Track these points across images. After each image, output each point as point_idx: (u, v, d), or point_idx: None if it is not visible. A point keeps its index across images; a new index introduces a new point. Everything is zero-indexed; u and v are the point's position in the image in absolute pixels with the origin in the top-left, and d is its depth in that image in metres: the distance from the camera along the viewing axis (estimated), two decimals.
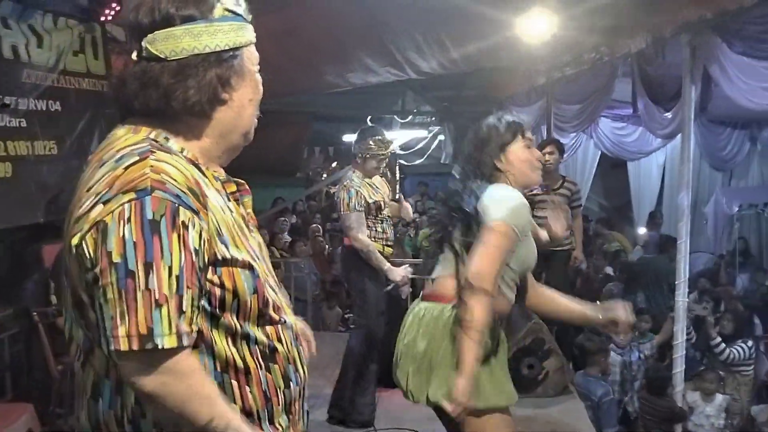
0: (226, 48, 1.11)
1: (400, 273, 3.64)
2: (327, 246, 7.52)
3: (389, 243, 3.74)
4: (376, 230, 3.66)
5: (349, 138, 7.91)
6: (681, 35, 3.89)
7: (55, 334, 3.43)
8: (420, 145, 10.00)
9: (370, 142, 3.65)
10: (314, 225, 8.07)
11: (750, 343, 5.10)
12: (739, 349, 5.01)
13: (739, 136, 8.23)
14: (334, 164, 10.57)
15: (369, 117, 8.70)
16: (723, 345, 4.97)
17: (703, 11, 3.68)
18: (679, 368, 4.22)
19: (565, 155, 7.39)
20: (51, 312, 3.57)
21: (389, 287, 3.69)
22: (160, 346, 0.98)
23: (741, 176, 8.89)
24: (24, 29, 3.75)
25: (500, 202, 1.97)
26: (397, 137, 9.76)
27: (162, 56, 1.08)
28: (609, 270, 7.12)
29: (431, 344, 2.01)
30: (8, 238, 4.02)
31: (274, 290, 1.21)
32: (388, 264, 3.63)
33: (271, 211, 8.68)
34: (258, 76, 1.20)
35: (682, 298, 4.28)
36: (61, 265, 1.14)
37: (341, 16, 5.34)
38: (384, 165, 3.74)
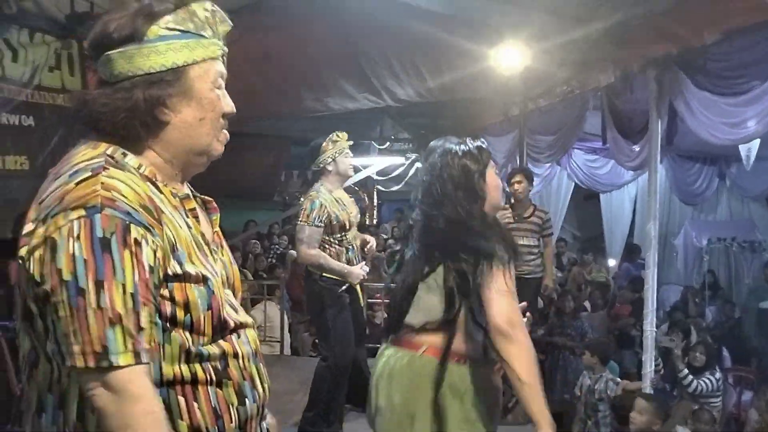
0: (162, 69, 1.09)
1: (359, 273, 3.56)
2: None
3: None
4: (339, 260, 3.56)
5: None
6: (648, 70, 4.01)
7: (18, 351, 3.35)
8: (397, 172, 10.07)
9: (328, 145, 3.57)
10: (292, 251, 8.04)
11: (718, 375, 5.13)
12: (706, 381, 5.03)
13: (708, 171, 8.45)
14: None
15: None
16: (690, 377, 5.01)
17: (669, 47, 3.82)
18: None
19: (536, 185, 7.55)
20: (13, 327, 3.50)
21: (343, 288, 3.59)
22: (114, 364, 0.97)
23: (710, 211, 9.09)
24: None
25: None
26: (375, 163, 9.85)
27: (105, 78, 1.10)
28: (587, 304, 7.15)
29: (407, 396, 1.91)
30: None
31: (233, 307, 1.19)
32: (346, 266, 3.54)
33: (243, 234, 8.66)
34: (216, 93, 1.17)
35: (650, 327, 4.34)
36: None
37: (320, 42, 5.43)
38: (351, 167, 3.68)
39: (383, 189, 10.79)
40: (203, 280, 1.10)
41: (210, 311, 1.11)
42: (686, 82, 3.76)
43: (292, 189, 10.82)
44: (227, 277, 1.21)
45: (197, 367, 1.10)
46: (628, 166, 5.08)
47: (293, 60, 5.66)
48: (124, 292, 0.98)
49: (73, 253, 0.97)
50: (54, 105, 4.19)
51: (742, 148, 6.09)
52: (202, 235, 1.17)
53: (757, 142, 5.84)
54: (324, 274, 3.56)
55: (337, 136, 3.65)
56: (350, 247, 3.63)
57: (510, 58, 4.54)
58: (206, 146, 1.18)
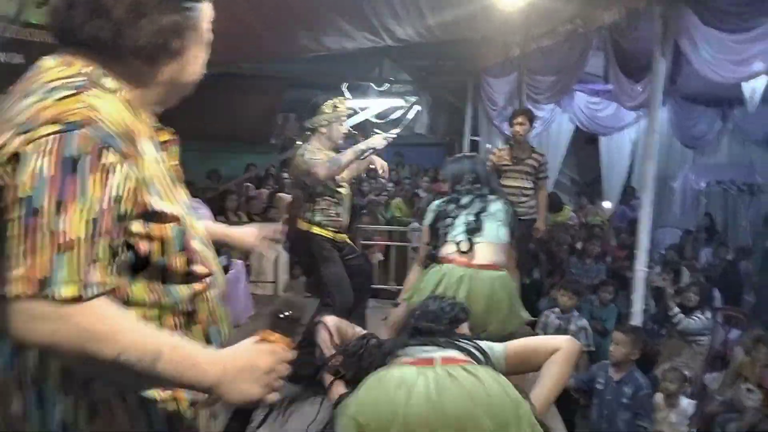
0: None
1: (379, 141, 3.50)
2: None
3: (341, 230, 3.65)
4: (328, 213, 3.57)
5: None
6: (654, 7, 3.90)
7: None
8: (396, 115, 9.94)
9: (327, 108, 3.56)
10: (282, 194, 8.03)
11: (708, 314, 5.23)
12: (695, 319, 5.12)
13: (710, 114, 8.34)
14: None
15: (345, 84, 8.61)
16: (681, 315, 5.09)
17: None
18: None
19: (536, 127, 7.47)
20: None
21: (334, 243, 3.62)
22: (56, 295, 0.88)
23: (710, 154, 9.03)
24: None
25: None
26: (373, 105, 9.71)
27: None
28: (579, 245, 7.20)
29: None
30: None
31: (204, 245, 1.16)
32: (359, 146, 3.48)
33: (240, 177, 8.62)
34: (209, 35, 1.16)
35: (641, 267, 4.38)
36: None
37: None
38: (344, 135, 3.64)
39: (381, 132, 10.67)
40: (177, 218, 1.07)
41: (184, 251, 1.08)
42: (693, 18, 3.66)
43: (289, 132, 10.71)
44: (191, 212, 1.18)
45: (166, 309, 1.07)
46: (629, 106, 5.01)
47: None
48: (86, 218, 0.90)
49: (38, 169, 0.89)
50: (43, 42, 4.08)
51: (747, 90, 5.99)
52: (175, 169, 1.16)
53: (762, 84, 5.75)
54: (313, 230, 3.59)
55: (340, 102, 3.64)
56: (342, 203, 3.67)
57: None
58: (191, 83, 1.17)
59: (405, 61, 8.73)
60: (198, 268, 1.11)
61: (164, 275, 1.06)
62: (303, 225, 3.63)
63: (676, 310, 5.09)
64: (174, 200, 1.09)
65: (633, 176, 8.91)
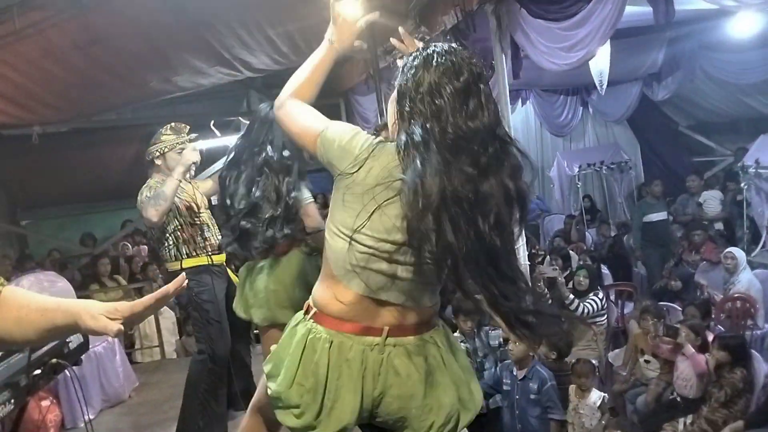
0: None
1: (192, 153, 3.20)
2: None
3: (215, 251, 3.39)
4: (195, 241, 3.32)
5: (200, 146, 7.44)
6: (485, 6, 3.96)
7: None
8: None
9: (161, 137, 3.33)
10: None
11: (600, 294, 5.36)
12: (591, 302, 5.23)
13: (571, 101, 8.77)
14: None
15: (212, 121, 8.31)
16: (577, 301, 5.18)
17: None
18: None
19: None
20: None
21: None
22: None
23: (578, 139, 9.49)
24: None
25: None
26: None
27: None
28: None
29: None
30: None
31: None
32: (177, 168, 3.16)
33: (119, 234, 8.10)
34: None
35: (523, 261, 4.39)
36: None
37: (152, 17, 4.97)
38: (182, 163, 3.20)
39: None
40: None
41: None
42: (521, 12, 3.75)
43: None
44: None
45: None
46: None
47: (126, 41, 5.17)
48: None
49: None
50: None
51: (595, 74, 6.30)
52: None
53: (607, 66, 6.05)
54: (184, 265, 3.30)
55: (170, 129, 3.37)
56: (205, 226, 3.39)
57: (351, 10, 4.33)
58: None
59: (272, 90, 8.56)
60: None
61: None
62: (172, 266, 3.32)
63: (571, 297, 5.18)
64: None
65: None
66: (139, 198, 3.23)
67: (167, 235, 3.30)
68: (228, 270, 3.56)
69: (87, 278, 6.55)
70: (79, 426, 3.99)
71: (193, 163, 3.22)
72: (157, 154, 3.31)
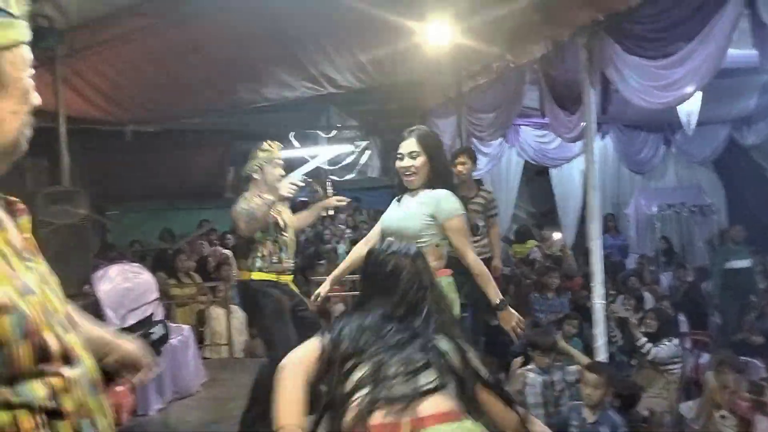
0: None
1: (287, 187, 3.41)
2: None
3: (284, 272, 3.55)
4: (270, 259, 3.48)
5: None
6: (577, 38, 3.93)
7: None
8: (349, 160, 9.90)
9: (258, 153, 3.54)
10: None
11: (676, 341, 5.14)
12: (664, 346, 5.04)
13: (653, 139, 8.50)
14: None
15: (292, 133, 8.56)
16: (649, 344, 5.00)
17: (595, 13, 3.74)
18: None
19: (486, 164, 7.46)
20: None
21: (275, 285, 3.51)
22: None
23: (658, 178, 9.17)
24: None
25: None
26: (323, 152, 9.67)
27: None
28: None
29: None
30: None
31: (62, 326, 1.01)
32: (267, 197, 3.36)
33: (195, 233, 8.40)
34: (28, 83, 1.01)
35: (598, 300, 4.28)
36: None
37: (248, 30, 5.21)
38: (279, 177, 3.54)
39: (337, 179, 10.63)
40: (13, 303, 0.91)
41: (27, 339, 0.92)
42: (615, 47, 3.68)
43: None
44: (48, 290, 1.03)
45: (19, 412, 0.90)
46: (567, 138, 5.00)
47: (222, 50, 5.43)
48: None
49: None
50: None
51: (682, 114, 6.11)
52: (9, 243, 0.99)
53: (697, 107, 5.86)
54: (253, 277, 3.47)
55: (268, 145, 3.59)
56: (285, 247, 3.56)
57: (440, 35, 4.41)
58: (15, 143, 1.00)
59: (351, 107, 8.74)
60: (47, 367, 0.95)
61: (8, 374, 0.90)
62: (244, 275, 3.52)
63: (643, 339, 4.99)
64: (8, 282, 0.93)
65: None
66: (235, 207, 3.43)
67: (250, 245, 3.48)
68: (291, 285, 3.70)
69: (166, 272, 6.75)
70: (149, 414, 4.14)
71: (284, 197, 3.49)
72: (256, 168, 3.51)
